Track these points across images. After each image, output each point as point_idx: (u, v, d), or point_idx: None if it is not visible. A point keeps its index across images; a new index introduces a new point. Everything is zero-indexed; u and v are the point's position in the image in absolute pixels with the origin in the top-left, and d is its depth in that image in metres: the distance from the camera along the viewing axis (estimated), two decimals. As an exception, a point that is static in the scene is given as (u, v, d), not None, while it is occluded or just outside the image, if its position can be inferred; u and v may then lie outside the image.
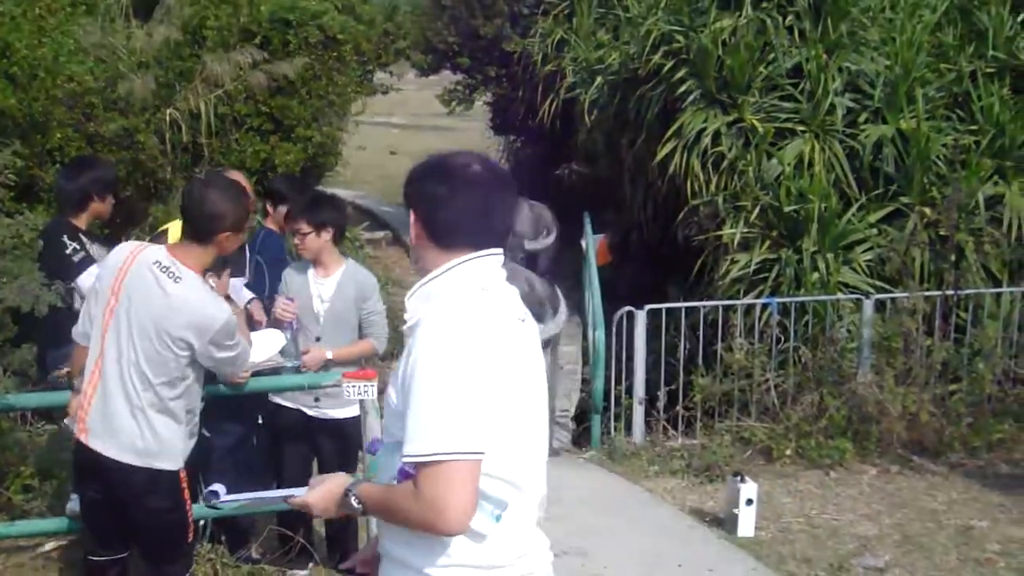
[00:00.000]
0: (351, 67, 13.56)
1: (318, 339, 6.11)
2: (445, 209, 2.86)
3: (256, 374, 5.49)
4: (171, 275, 4.44)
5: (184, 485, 4.69)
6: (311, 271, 6.17)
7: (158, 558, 4.79)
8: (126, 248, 4.65)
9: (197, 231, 4.55)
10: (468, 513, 2.64)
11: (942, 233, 9.90)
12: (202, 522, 5.49)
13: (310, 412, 6.22)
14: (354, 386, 5.39)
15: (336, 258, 6.21)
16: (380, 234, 17.24)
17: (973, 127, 10.82)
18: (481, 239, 2.88)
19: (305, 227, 6.02)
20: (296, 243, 6.10)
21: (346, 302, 6.14)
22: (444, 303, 2.79)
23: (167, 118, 10.48)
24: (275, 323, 6.08)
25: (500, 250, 2.92)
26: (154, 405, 4.48)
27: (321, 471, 6.32)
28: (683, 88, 11.22)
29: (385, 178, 21.61)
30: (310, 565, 6.37)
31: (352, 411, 6.01)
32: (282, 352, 5.88)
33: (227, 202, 4.56)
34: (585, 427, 10.19)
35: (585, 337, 12.48)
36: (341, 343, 6.13)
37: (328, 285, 6.14)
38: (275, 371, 5.85)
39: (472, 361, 2.68)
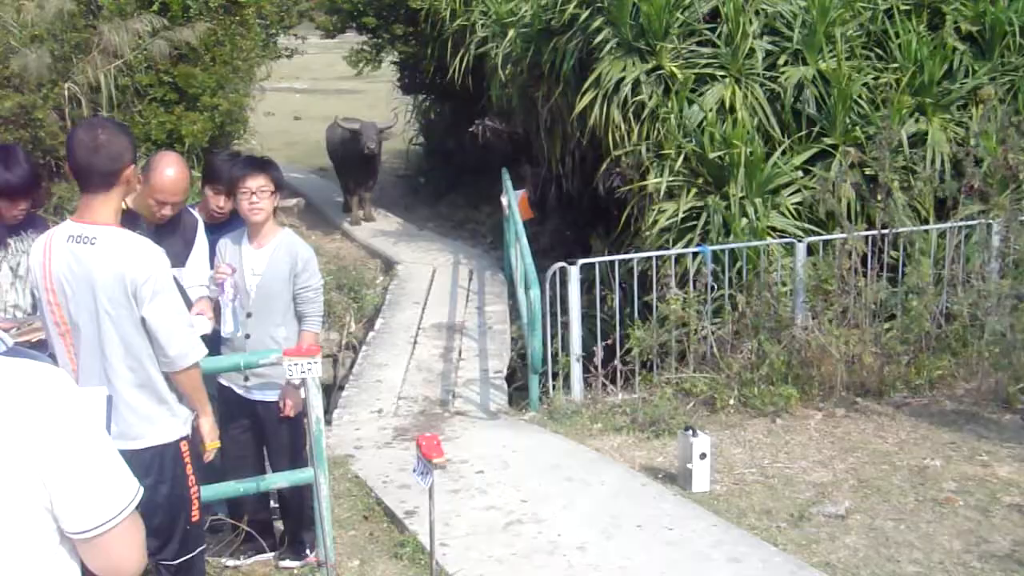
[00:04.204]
0: (254, 31, 13.24)
1: (249, 315, 5.78)
2: None
3: None
4: (84, 241, 4.21)
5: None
6: (245, 241, 5.83)
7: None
8: (39, 242, 4.40)
9: (102, 177, 4.23)
10: None
11: (866, 173, 9.85)
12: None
13: (239, 392, 5.93)
14: (296, 364, 5.09)
15: (272, 226, 5.87)
16: (292, 202, 16.81)
17: (892, 65, 10.81)
18: None
19: (268, 184, 5.70)
20: (247, 207, 5.69)
21: (279, 275, 5.78)
22: None
23: (65, 93, 10.12)
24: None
25: None
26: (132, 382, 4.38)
27: (269, 456, 6.09)
28: (599, 38, 11.05)
29: (291, 144, 21.25)
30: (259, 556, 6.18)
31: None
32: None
33: (120, 135, 4.30)
34: (517, 387, 9.99)
35: (511, 295, 12.28)
36: (273, 319, 5.80)
37: (261, 257, 5.79)
38: None
39: None
